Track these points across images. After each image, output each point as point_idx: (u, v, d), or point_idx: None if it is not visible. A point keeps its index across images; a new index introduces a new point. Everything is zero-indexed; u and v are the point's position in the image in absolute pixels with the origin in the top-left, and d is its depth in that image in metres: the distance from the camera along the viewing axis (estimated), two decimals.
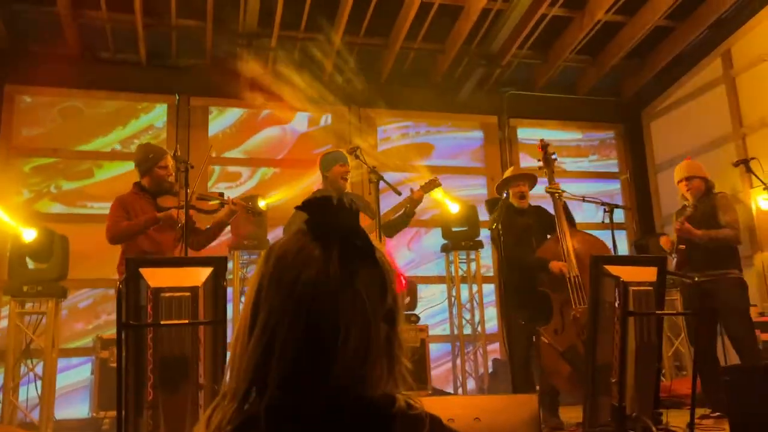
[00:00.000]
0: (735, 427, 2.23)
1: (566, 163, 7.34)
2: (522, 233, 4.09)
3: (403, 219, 3.94)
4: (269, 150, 6.74)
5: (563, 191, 4.08)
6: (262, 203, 5.99)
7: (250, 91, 6.55)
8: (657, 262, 2.80)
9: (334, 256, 0.76)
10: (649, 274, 2.71)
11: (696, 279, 3.17)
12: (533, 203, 4.36)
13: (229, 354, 0.83)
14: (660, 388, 2.86)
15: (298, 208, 0.81)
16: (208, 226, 3.75)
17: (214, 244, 3.80)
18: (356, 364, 0.74)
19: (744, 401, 2.11)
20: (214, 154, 6.43)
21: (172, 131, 6.41)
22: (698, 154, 6.78)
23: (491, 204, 4.45)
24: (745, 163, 4.21)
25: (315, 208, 0.80)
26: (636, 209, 7.45)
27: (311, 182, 6.32)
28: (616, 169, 7.80)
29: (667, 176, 7.32)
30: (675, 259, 4.04)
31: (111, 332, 5.28)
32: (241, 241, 5.87)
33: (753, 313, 4.39)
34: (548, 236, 4.19)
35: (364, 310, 0.75)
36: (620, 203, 7.39)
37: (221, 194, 3.75)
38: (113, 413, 4.84)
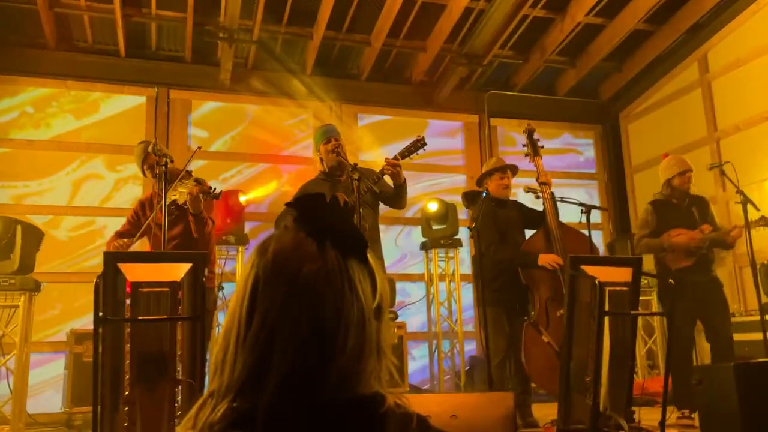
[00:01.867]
0: (705, 425, 2.29)
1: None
2: (505, 227, 4.09)
3: (397, 187, 3.72)
4: (250, 145, 6.70)
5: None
6: (242, 198, 5.96)
7: (231, 85, 6.51)
8: (632, 263, 2.85)
9: (331, 252, 0.76)
10: (624, 274, 2.76)
11: (671, 281, 3.24)
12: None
13: (214, 349, 0.81)
14: (633, 386, 2.91)
15: (288, 204, 0.81)
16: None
17: None
18: (353, 361, 0.74)
19: (714, 400, 2.16)
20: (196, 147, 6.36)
21: (151, 124, 6.33)
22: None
23: (469, 197, 4.41)
24: (719, 167, 4.30)
25: (306, 204, 0.80)
26: (612, 210, 7.55)
27: (296, 176, 6.33)
28: (593, 170, 7.89)
29: (643, 177, 7.45)
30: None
31: (86, 326, 5.22)
32: (219, 236, 5.82)
33: None
34: (524, 230, 4.22)
35: (360, 307, 0.76)
36: (597, 203, 7.52)
37: (189, 172, 3.57)
38: (87, 408, 4.81)
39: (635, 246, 4.39)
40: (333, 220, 0.79)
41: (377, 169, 3.73)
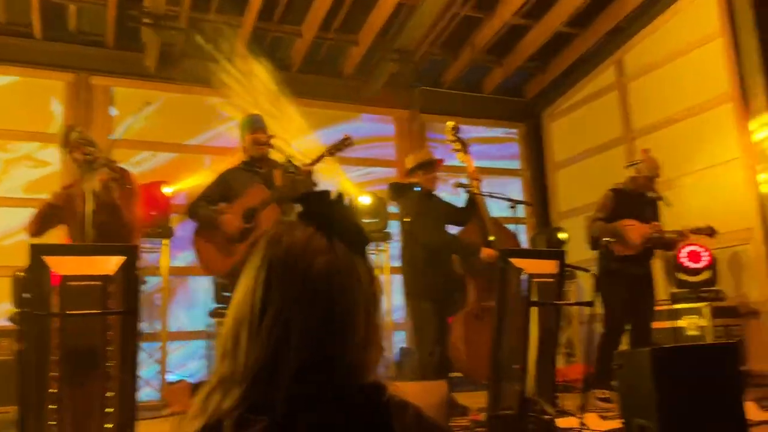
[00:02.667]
0: (624, 406, 2.45)
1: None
2: (437, 218, 4.18)
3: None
4: (176, 135, 6.51)
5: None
6: (167, 190, 5.78)
7: (157, 72, 6.31)
8: (558, 256, 2.99)
9: (339, 246, 0.79)
10: (551, 266, 2.90)
11: (591, 271, 3.43)
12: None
13: (219, 337, 0.82)
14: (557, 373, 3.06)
15: (295, 200, 0.83)
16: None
17: None
18: (360, 351, 0.78)
19: (632, 383, 2.32)
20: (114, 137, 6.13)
21: (70, 111, 6.04)
22: (593, 155, 7.25)
23: (396, 188, 4.45)
24: (635, 165, 4.55)
25: (314, 200, 0.83)
26: (534, 205, 7.84)
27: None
28: (517, 166, 8.17)
29: (564, 174, 7.78)
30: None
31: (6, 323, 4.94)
32: (141, 228, 5.63)
33: None
34: (444, 224, 4.32)
35: (366, 299, 0.80)
36: (521, 198, 7.79)
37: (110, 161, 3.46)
38: (6, 408, 4.55)
39: (589, 226, 4.56)
40: (340, 216, 0.82)
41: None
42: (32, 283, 2.05)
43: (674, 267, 5.51)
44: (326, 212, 0.81)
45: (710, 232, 4.39)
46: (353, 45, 6.84)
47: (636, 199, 4.51)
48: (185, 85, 6.44)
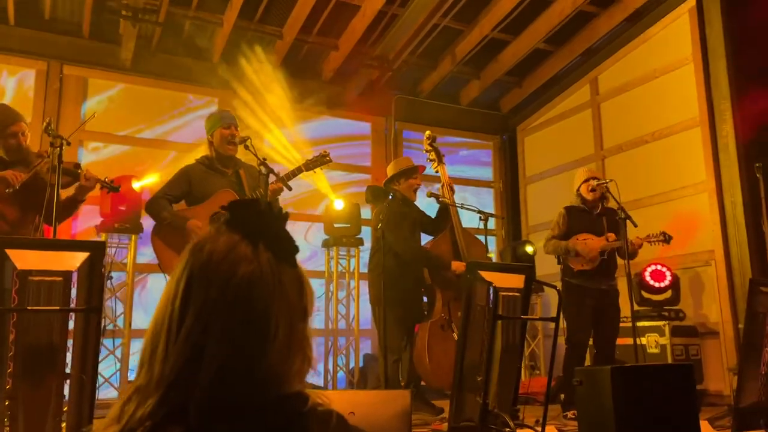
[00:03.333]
0: (583, 423, 2.49)
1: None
2: (412, 227, 4.20)
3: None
4: (152, 131, 6.42)
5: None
6: (136, 185, 5.70)
7: (133, 66, 6.22)
8: (525, 270, 3.03)
9: (264, 255, 0.79)
10: (517, 280, 2.93)
11: (557, 288, 3.47)
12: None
13: (140, 345, 0.81)
14: (519, 386, 3.09)
15: (224, 208, 0.83)
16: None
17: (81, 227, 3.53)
18: (280, 360, 0.77)
19: (591, 400, 2.36)
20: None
21: (40, 101, 5.92)
22: (564, 171, 7.35)
23: (374, 192, 4.47)
24: (604, 184, 4.63)
25: (241, 209, 0.82)
26: (506, 218, 7.92)
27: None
28: (490, 178, 8.24)
29: (536, 188, 7.88)
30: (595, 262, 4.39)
31: None
32: (111, 223, 5.55)
33: None
34: (418, 231, 4.35)
35: (289, 308, 0.79)
36: (492, 211, 7.87)
37: (77, 165, 3.38)
38: None
39: (545, 245, 4.64)
40: (267, 225, 0.81)
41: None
42: None
43: (638, 284, 5.61)
44: (254, 220, 0.81)
45: (665, 238, 4.46)
46: (333, 49, 6.84)
47: (589, 214, 4.59)
48: (162, 80, 6.38)
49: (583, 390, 2.39)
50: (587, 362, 4.82)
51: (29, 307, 2.02)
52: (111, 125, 6.21)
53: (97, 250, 2.19)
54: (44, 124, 3.16)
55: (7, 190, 3.07)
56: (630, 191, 5.59)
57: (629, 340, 5.26)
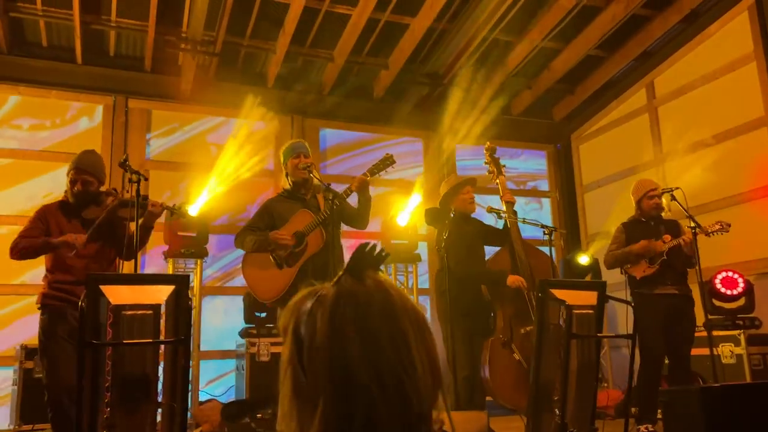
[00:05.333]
0: None
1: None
2: (470, 243, 4.17)
3: (363, 205, 3.73)
4: (212, 158, 6.61)
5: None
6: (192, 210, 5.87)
7: (192, 95, 6.45)
8: (597, 287, 2.99)
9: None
10: (590, 297, 2.89)
11: (630, 303, 3.39)
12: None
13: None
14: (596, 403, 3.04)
15: (352, 257, 0.88)
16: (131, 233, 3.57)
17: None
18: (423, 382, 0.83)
19: (680, 423, 2.30)
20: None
21: (108, 133, 6.19)
22: (622, 178, 7.21)
23: (432, 213, 4.46)
24: (670, 192, 4.52)
25: (365, 251, 0.88)
26: (563, 227, 7.80)
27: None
28: (546, 188, 8.15)
29: (593, 197, 7.74)
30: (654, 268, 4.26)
31: (35, 341, 5.05)
32: (177, 248, 5.74)
33: None
34: (484, 246, 4.32)
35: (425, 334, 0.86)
36: (549, 221, 7.76)
37: (144, 197, 3.44)
38: (38, 426, 4.65)
39: (604, 260, 4.55)
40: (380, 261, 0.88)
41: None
42: (89, 311, 2.11)
43: (709, 293, 5.43)
44: (372, 258, 0.87)
45: (722, 227, 4.27)
46: (383, 68, 6.92)
47: (647, 225, 4.46)
48: (218, 108, 6.58)
49: (669, 412, 2.33)
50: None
51: (124, 341, 2.12)
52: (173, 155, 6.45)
53: (182, 282, 2.29)
54: (122, 159, 3.30)
55: (71, 254, 3.24)
56: (695, 197, 5.44)
57: (704, 351, 5.10)
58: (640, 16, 6.46)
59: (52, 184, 5.84)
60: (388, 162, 3.80)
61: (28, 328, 5.44)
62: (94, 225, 3.29)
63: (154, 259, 6.11)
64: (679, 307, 4.30)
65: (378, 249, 0.89)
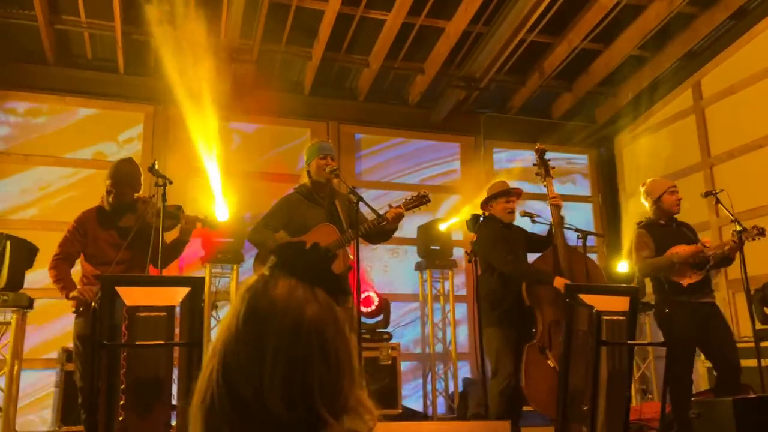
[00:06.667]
0: None
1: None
2: (511, 247, 4.08)
3: (389, 232, 3.72)
4: (249, 164, 6.69)
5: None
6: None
7: (230, 103, 6.53)
8: (629, 292, 2.85)
9: (321, 294, 0.85)
10: (621, 303, 2.77)
11: (666, 310, 3.23)
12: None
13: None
14: (630, 414, 2.90)
15: (272, 251, 0.88)
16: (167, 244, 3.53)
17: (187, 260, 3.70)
18: (338, 394, 0.82)
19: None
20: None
21: (149, 142, 6.33)
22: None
23: (475, 220, 4.41)
24: (714, 195, 4.32)
25: (292, 251, 0.88)
26: (606, 233, 7.58)
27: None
28: (588, 193, 7.93)
29: (637, 202, 7.47)
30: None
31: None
32: (213, 254, 5.81)
33: None
34: (526, 253, 4.22)
35: (346, 342, 0.86)
36: (591, 227, 7.55)
37: (178, 207, 3.54)
38: (76, 428, 4.75)
39: (640, 269, 4.30)
40: (318, 266, 0.87)
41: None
42: (104, 312, 2.12)
43: (760, 301, 5.16)
44: (305, 262, 0.86)
45: (758, 231, 4.03)
46: (419, 73, 6.88)
47: (669, 228, 4.25)
48: (255, 115, 6.65)
49: (702, 424, 2.20)
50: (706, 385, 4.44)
51: (138, 342, 2.13)
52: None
53: (197, 284, 2.29)
54: (151, 164, 3.35)
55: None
56: (744, 201, 5.19)
57: (752, 362, 4.84)
58: (684, 13, 6.23)
59: None
60: (424, 200, 3.79)
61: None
62: (131, 233, 3.35)
63: (192, 266, 6.20)
64: (709, 316, 4.07)
65: (321, 254, 0.89)
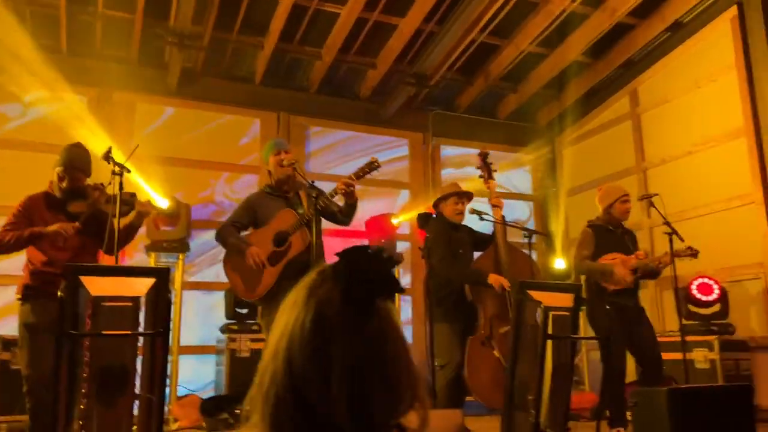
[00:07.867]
0: None
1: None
2: (458, 248, 4.23)
3: (348, 207, 3.76)
4: (197, 153, 6.59)
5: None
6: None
7: (178, 89, 6.42)
8: (573, 289, 3.04)
9: (383, 303, 0.85)
10: (566, 299, 2.95)
11: (607, 307, 3.45)
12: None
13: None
14: (570, 403, 3.09)
15: (337, 255, 0.86)
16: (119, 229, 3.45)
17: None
18: (398, 400, 0.84)
19: (648, 422, 2.35)
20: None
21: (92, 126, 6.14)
22: (603, 184, 7.28)
23: (424, 218, 4.55)
24: (649, 198, 4.58)
25: (356, 259, 0.86)
26: (545, 231, 7.88)
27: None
28: (529, 191, 8.22)
29: (575, 201, 7.82)
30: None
31: (12, 332, 5.00)
32: (160, 242, 5.72)
33: None
34: (473, 252, 4.38)
35: (405, 347, 0.87)
36: (531, 225, 7.85)
37: (132, 194, 3.49)
38: (16, 417, 4.61)
39: (576, 265, 4.51)
40: (384, 276, 0.86)
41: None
42: (67, 302, 2.11)
43: (684, 298, 5.52)
44: (370, 266, 0.85)
45: (692, 252, 4.30)
46: (371, 68, 6.95)
47: (614, 234, 4.47)
48: (206, 103, 6.56)
49: (638, 412, 2.39)
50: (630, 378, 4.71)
51: (103, 332, 2.12)
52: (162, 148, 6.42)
53: (162, 275, 2.30)
54: (104, 152, 3.29)
55: (62, 244, 3.24)
56: (674, 204, 5.53)
57: (677, 356, 5.19)
58: (624, 24, 6.55)
59: None
60: (373, 166, 3.81)
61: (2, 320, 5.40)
62: (81, 219, 3.28)
63: (136, 253, 6.08)
64: (634, 313, 4.33)
65: (385, 257, 0.87)
